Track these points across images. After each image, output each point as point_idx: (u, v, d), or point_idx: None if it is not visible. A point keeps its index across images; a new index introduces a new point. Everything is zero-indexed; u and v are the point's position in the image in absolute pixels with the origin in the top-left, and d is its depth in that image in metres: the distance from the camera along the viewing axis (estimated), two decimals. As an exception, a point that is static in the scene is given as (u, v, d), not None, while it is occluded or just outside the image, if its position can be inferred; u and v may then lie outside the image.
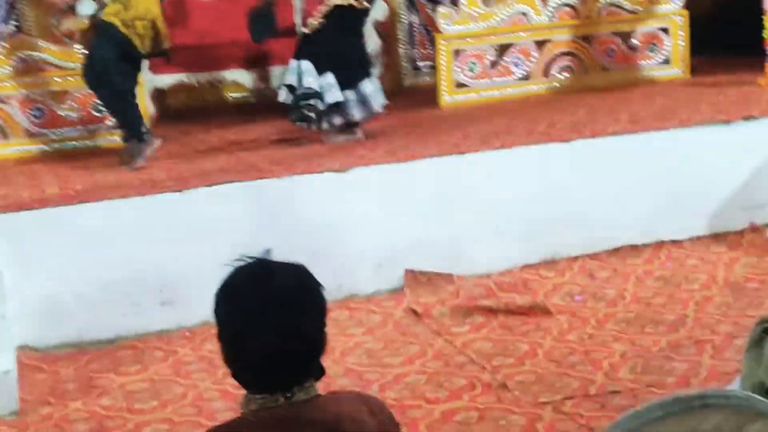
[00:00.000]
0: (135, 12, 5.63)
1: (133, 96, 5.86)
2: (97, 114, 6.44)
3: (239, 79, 7.54)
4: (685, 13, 7.52)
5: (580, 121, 6.06)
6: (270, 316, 1.82)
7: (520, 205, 5.46)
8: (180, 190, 5.08)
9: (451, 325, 4.83)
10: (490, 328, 4.76)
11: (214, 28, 7.39)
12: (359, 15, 5.96)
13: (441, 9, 7.19)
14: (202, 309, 4.72)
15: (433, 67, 7.48)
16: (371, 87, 5.98)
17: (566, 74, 7.41)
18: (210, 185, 5.12)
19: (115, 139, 6.25)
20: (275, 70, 7.27)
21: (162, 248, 4.94)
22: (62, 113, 6.43)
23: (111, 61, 5.61)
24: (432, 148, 5.58)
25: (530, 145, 5.59)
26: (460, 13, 7.11)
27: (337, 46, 5.83)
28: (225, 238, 4.98)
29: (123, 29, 5.62)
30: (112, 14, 5.63)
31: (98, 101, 6.05)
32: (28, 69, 6.36)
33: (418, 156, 5.46)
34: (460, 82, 7.16)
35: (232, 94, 7.70)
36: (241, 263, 1.88)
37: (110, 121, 6.37)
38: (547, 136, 5.73)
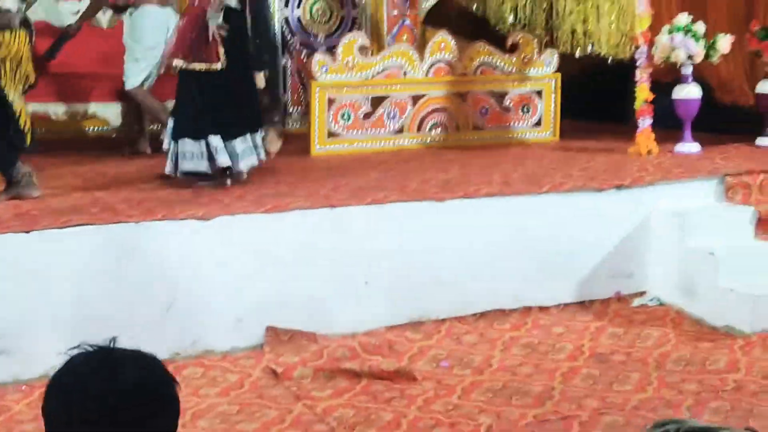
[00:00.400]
0: (12, 51, 5.29)
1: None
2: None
3: (102, 112, 7.18)
4: (557, 76, 7.56)
5: (452, 180, 5.94)
6: (107, 422, 1.55)
7: (388, 263, 5.28)
8: (27, 231, 4.70)
9: (312, 388, 4.58)
10: (353, 394, 4.53)
11: (77, 58, 7.03)
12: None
13: (317, 56, 7.02)
14: (42, 361, 4.40)
15: (306, 114, 7.29)
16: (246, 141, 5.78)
17: (439, 130, 7.34)
18: (60, 227, 4.75)
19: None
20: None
21: (1, 292, 4.54)
22: None
23: None
24: (301, 200, 5.35)
25: (402, 202, 5.42)
26: (336, 62, 6.96)
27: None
28: (72, 285, 4.65)
29: None
30: None
31: None
32: None
33: (286, 207, 5.22)
34: (332, 131, 6.99)
35: (94, 128, 7.34)
36: (79, 352, 1.60)
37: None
38: (419, 193, 5.57)
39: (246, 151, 5.80)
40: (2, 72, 5.26)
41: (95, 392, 1.55)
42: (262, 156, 5.90)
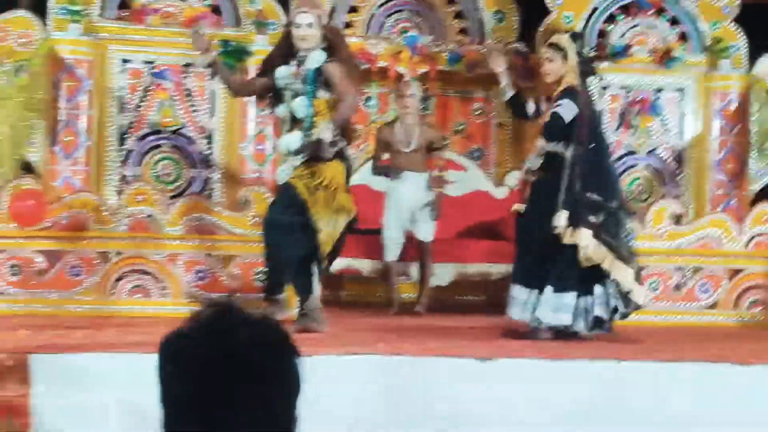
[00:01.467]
0: (320, 179, 5.55)
1: (297, 263, 5.62)
2: (258, 283, 6.40)
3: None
4: None
5: None
6: (224, 385, 1.47)
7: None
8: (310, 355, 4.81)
9: None
10: None
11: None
12: None
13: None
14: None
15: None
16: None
17: (760, 309, 6.80)
18: (340, 354, 4.84)
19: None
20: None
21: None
22: (223, 277, 6.42)
23: (280, 221, 5.52)
24: (587, 351, 5.10)
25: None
26: (646, 228, 6.74)
27: None
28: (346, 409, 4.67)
29: (304, 194, 5.54)
30: (296, 177, 5.57)
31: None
32: (198, 230, 6.44)
33: (569, 356, 4.99)
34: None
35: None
36: (201, 310, 1.55)
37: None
38: None
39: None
40: (314, 200, 5.50)
41: (206, 355, 1.49)
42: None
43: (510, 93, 5.96)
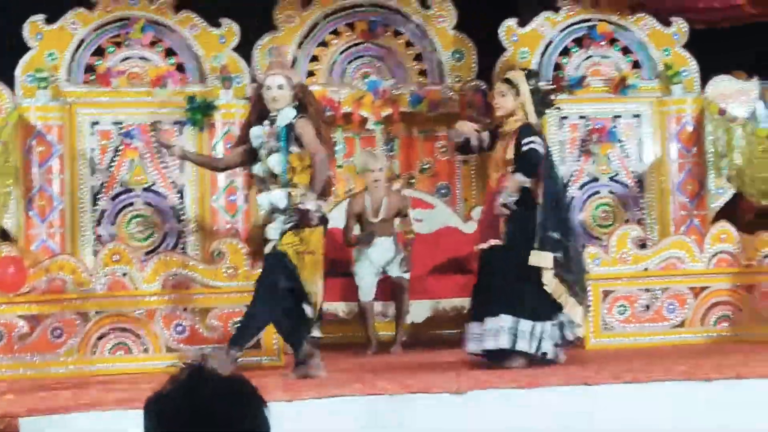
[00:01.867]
0: (307, 246, 5.73)
1: (296, 320, 5.81)
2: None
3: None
4: None
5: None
6: None
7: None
8: (289, 400, 4.96)
9: None
10: None
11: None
12: None
13: (589, 249, 7.03)
14: None
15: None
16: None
17: (726, 324, 7.00)
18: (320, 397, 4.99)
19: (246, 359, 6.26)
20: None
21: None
22: (203, 330, 6.55)
23: (273, 288, 5.71)
24: (559, 378, 5.27)
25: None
26: (609, 254, 6.94)
27: None
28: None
29: (294, 260, 5.71)
30: (287, 244, 5.74)
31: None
32: (175, 285, 6.58)
33: (545, 383, 5.16)
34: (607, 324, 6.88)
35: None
36: (178, 372, 1.73)
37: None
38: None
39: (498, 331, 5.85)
40: (302, 265, 5.71)
41: (183, 412, 1.66)
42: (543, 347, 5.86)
43: (463, 138, 6.18)
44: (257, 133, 5.80)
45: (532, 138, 5.91)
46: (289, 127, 5.70)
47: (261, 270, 5.95)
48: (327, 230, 5.95)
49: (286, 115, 5.72)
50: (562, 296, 5.83)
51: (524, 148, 5.88)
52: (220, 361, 5.52)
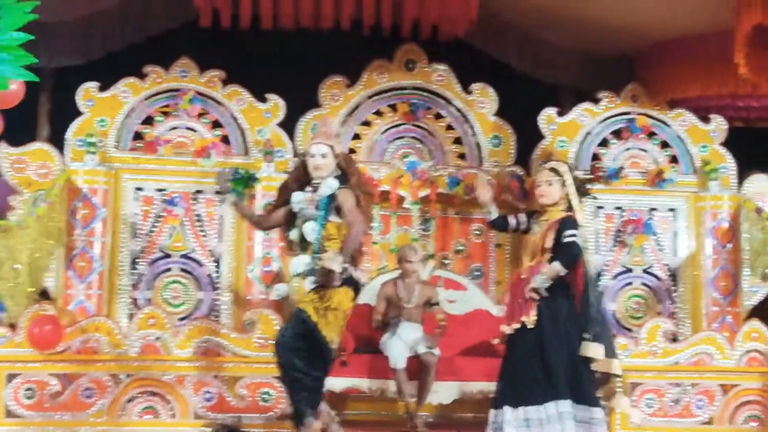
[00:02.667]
0: (329, 303, 5.78)
1: (312, 382, 5.80)
2: (263, 403, 6.60)
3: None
4: None
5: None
6: None
7: None
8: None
9: None
10: None
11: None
12: None
13: (619, 340, 7.02)
14: None
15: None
16: None
17: (755, 424, 6.93)
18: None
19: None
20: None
21: None
22: (231, 399, 6.61)
23: (292, 344, 5.74)
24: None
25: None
26: (638, 346, 6.93)
27: None
28: None
29: (314, 317, 5.75)
30: (306, 301, 5.80)
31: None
32: (207, 352, 6.66)
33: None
34: (635, 417, 6.85)
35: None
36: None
37: (276, 411, 6.56)
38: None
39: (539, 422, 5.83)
40: (324, 321, 5.73)
41: None
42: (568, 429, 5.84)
43: (495, 214, 6.31)
44: (299, 198, 5.90)
45: (574, 231, 5.98)
46: (331, 198, 5.80)
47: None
48: (357, 295, 5.93)
49: (329, 185, 5.81)
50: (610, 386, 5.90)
51: (566, 240, 5.95)
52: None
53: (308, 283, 5.83)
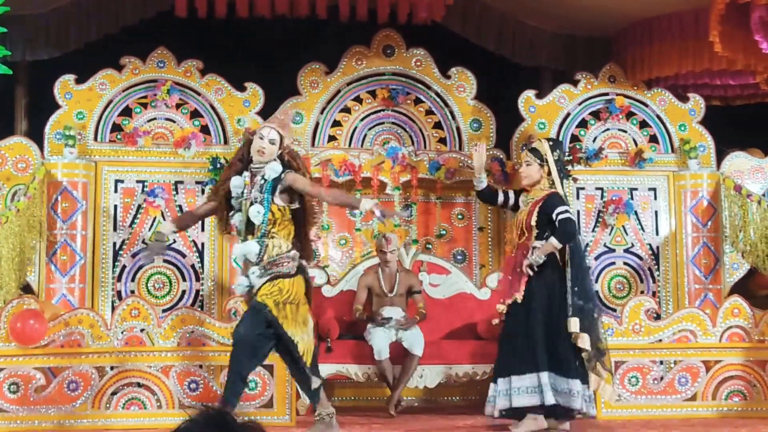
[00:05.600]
0: (287, 295, 5.69)
1: (293, 374, 5.86)
2: (249, 391, 6.60)
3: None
4: None
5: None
6: None
7: None
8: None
9: None
10: None
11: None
12: None
13: (603, 319, 7.04)
14: None
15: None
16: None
17: (737, 399, 6.98)
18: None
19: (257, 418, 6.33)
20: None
21: None
22: (216, 388, 6.61)
23: (249, 339, 5.68)
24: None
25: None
26: (622, 325, 6.97)
27: None
28: None
29: (274, 311, 5.67)
30: (265, 294, 5.72)
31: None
32: (191, 342, 6.66)
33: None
34: (619, 396, 6.89)
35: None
36: (196, 413, 1.81)
37: (257, 401, 6.58)
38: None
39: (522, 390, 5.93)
40: (284, 315, 5.66)
41: None
42: (548, 399, 5.93)
43: (484, 183, 6.46)
44: (238, 183, 5.81)
45: (564, 207, 6.07)
46: (276, 180, 5.70)
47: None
48: (310, 282, 5.90)
49: (274, 168, 5.72)
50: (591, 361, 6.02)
51: (560, 217, 6.04)
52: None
53: (258, 271, 5.70)
